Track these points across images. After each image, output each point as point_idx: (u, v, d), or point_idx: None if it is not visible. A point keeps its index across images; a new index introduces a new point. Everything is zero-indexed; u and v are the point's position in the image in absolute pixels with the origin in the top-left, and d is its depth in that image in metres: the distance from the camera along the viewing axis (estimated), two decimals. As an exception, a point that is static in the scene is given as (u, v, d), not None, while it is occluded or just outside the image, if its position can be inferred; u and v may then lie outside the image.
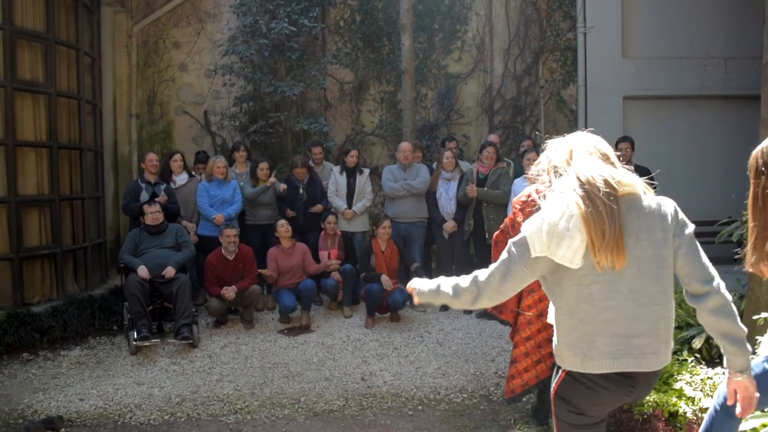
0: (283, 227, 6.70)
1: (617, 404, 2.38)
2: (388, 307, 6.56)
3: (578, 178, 2.13)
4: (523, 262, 2.19)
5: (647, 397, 3.70)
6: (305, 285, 6.60)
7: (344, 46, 9.80)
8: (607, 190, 2.08)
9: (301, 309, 6.61)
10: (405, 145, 7.39)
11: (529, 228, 2.16)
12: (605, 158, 2.22)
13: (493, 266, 2.29)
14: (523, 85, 9.87)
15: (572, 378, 2.24)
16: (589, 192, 2.08)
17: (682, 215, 2.21)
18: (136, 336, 5.60)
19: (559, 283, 2.21)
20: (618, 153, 2.30)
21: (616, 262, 2.08)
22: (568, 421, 2.30)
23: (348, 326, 6.50)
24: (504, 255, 2.25)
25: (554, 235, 2.08)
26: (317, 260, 6.96)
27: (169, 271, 5.95)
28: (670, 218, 2.17)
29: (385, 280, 6.42)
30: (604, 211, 2.06)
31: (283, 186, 7.24)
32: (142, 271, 5.86)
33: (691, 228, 2.19)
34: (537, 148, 7.60)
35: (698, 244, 2.20)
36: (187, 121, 9.81)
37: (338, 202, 7.38)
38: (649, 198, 2.19)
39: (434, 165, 7.63)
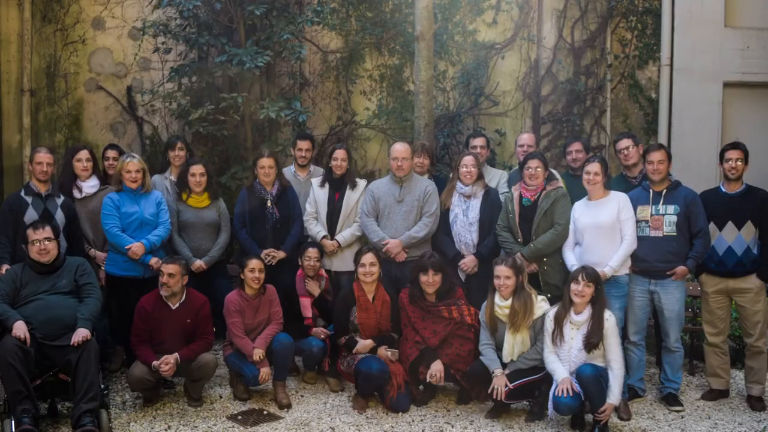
0: (254, 272, 6.39)
1: None
2: (390, 407, 6.35)
3: None
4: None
5: None
6: (280, 342, 6.41)
7: (330, 0, 9.69)
8: None
9: (272, 380, 6.41)
10: (398, 148, 7.06)
11: None
12: None
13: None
14: (583, 62, 10.00)
15: None
16: None
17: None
18: (13, 428, 5.32)
19: None
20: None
21: None
22: None
23: (331, 409, 6.34)
24: None
25: None
26: (296, 310, 6.86)
27: (80, 334, 5.60)
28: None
29: (384, 355, 6.36)
30: None
31: (199, 263, 6.95)
32: (19, 328, 5.49)
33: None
34: (588, 152, 7.60)
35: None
36: (103, 100, 9.86)
37: (316, 227, 7.22)
38: None
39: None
